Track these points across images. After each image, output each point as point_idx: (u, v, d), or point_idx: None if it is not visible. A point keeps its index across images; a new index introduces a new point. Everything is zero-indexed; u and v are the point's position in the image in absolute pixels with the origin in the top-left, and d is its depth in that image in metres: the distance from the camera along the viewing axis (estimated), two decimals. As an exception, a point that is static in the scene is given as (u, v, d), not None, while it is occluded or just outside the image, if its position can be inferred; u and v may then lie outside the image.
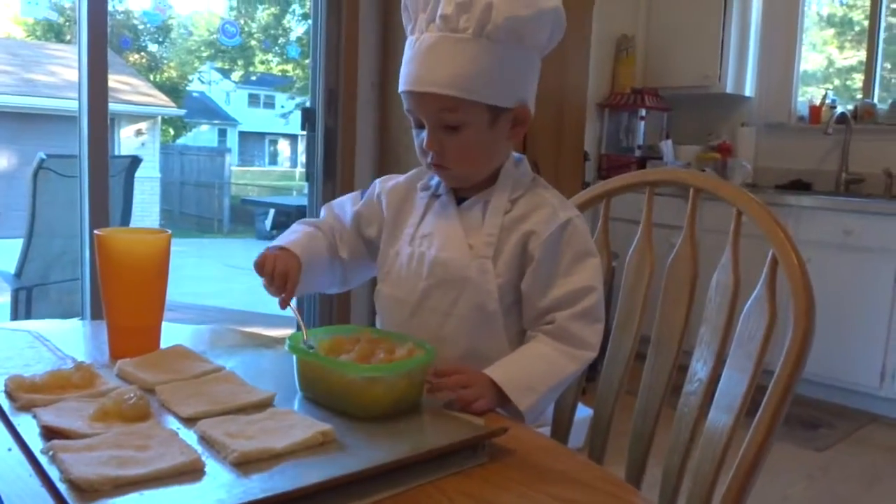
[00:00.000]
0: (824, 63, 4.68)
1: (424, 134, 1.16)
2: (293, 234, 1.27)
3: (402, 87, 1.16)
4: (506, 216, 1.17)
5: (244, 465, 0.77)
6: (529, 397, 1.07)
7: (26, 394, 0.93)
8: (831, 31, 4.66)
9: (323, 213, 1.36)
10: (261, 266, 1.17)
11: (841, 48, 4.64)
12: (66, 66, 10.68)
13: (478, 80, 1.11)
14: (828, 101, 4.28)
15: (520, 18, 1.10)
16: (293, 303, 1.17)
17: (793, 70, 4.39)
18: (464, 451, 0.86)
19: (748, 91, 4.44)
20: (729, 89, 4.33)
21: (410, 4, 1.17)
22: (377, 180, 1.34)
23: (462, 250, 1.16)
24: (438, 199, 1.24)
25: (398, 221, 1.26)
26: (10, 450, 0.81)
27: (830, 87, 4.57)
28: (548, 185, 1.24)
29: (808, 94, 4.50)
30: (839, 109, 4.13)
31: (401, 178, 1.31)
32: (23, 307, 3.62)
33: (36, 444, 0.81)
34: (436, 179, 1.25)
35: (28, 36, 13.97)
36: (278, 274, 1.15)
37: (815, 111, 4.28)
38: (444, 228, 1.20)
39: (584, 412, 1.43)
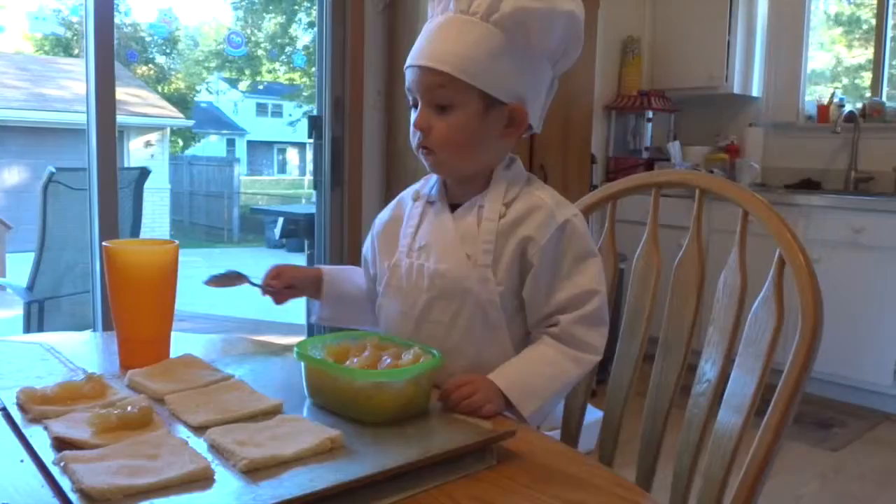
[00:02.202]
0: (832, 62, 4.67)
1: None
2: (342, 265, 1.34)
3: (406, 64, 1.16)
4: (501, 221, 1.15)
5: (253, 472, 0.78)
6: (533, 403, 1.07)
7: (38, 406, 0.93)
8: (839, 29, 4.65)
9: None
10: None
11: (849, 47, 4.63)
12: (76, 80, 10.75)
13: (475, 63, 1.10)
14: (836, 99, 4.27)
15: (528, 11, 1.09)
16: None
17: (800, 69, 4.37)
18: (472, 454, 0.86)
19: (755, 91, 4.43)
20: (736, 90, 4.33)
21: None
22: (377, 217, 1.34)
23: (460, 260, 1.14)
24: (432, 206, 1.22)
25: (391, 235, 1.25)
26: (22, 461, 0.82)
27: (839, 85, 4.56)
28: (543, 185, 1.21)
29: (817, 94, 4.49)
30: (847, 108, 4.12)
31: (394, 201, 1.32)
32: (35, 320, 3.64)
33: (48, 455, 0.81)
34: (428, 187, 1.23)
35: (37, 51, 14.08)
36: (272, 274, 1.26)
37: (823, 110, 4.26)
38: (440, 238, 1.18)
39: (594, 414, 1.43)
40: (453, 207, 1.20)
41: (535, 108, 1.18)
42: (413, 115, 1.17)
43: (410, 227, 1.22)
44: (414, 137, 1.17)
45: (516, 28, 1.09)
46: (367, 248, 1.33)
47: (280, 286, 1.26)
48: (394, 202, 1.30)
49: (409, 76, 1.15)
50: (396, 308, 1.21)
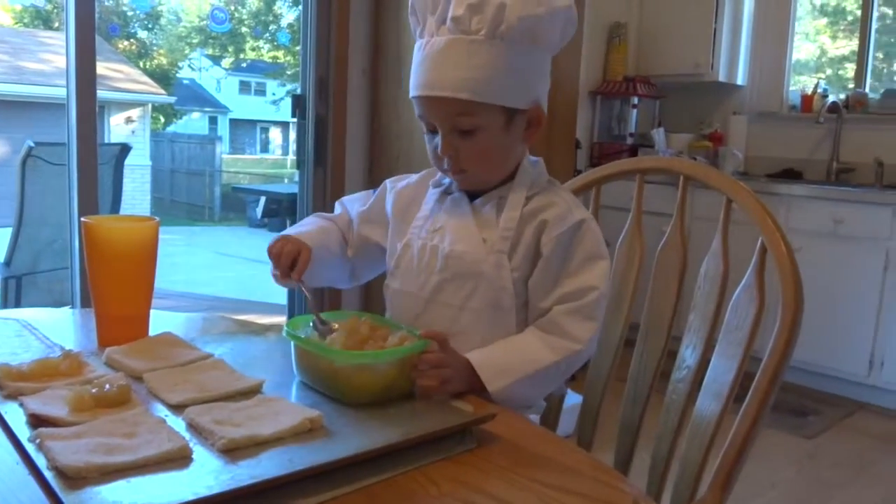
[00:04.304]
0: (817, 52, 4.68)
1: (438, 139, 1.14)
2: (305, 226, 1.26)
3: (413, 92, 1.14)
4: (523, 210, 1.15)
5: (232, 451, 0.77)
6: (500, 380, 1.05)
7: (13, 382, 0.93)
8: (824, 20, 4.66)
9: (336, 208, 1.35)
10: (271, 249, 1.17)
11: (833, 38, 4.64)
12: (55, 54, 10.61)
13: (493, 82, 1.08)
14: (820, 90, 4.29)
15: (534, 18, 1.07)
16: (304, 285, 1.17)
17: (785, 59, 4.39)
18: (452, 437, 0.86)
19: (740, 80, 4.44)
20: (721, 78, 4.33)
21: (419, 6, 1.14)
22: (388, 181, 1.32)
23: (476, 244, 1.14)
24: (450, 196, 1.21)
25: (406, 216, 1.24)
26: (-4, 437, 0.81)
27: (823, 76, 4.58)
28: (565, 189, 1.22)
29: (801, 84, 4.50)
30: (831, 98, 4.14)
31: (413, 177, 1.29)
32: (12, 296, 3.61)
33: (23, 432, 0.80)
34: (448, 178, 1.22)
35: (16, 23, 13.87)
36: (286, 253, 1.15)
37: (806, 100, 4.28)
38: (457, 223, 1.17)
39: (573, 399, 1.44)
40: (471, 197, 1.19)
41: (545, 99, 1.18)
42: (432, 141, 1.16)
43: (425, 210, 1.22)
44: (440, 163, 1.16)
45: (523, 37, 1.08)
46: (370, 204, 1.31)
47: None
48: (416, 178, 1.29)
49: (423, 106, 1.13)
50: (406, 288, 1.20)
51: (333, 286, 1.34)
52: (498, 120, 1.12)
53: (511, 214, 1.14)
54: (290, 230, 1.24)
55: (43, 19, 14.04)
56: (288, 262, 1.15)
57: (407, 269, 1.20)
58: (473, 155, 1.13)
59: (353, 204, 1.34)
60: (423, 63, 1.12)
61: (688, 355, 1.20)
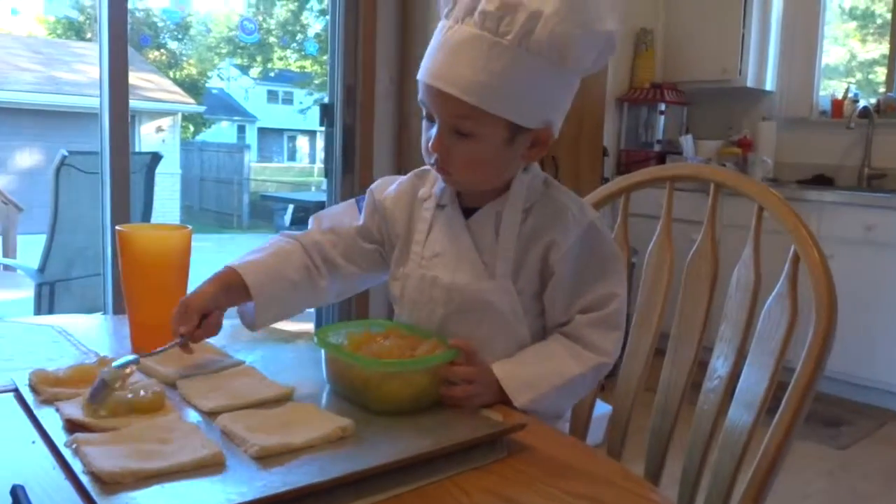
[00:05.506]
0: (846, 56, 4.63)
1: (434, 131, 1.06)
2: (258, 253, 1.15)
3: (420, 76, 1.05)
4: (521, 228, 1.09)
5: (264, 458, 0.78)
6: (526, 394, 1.04)
7: (50, 388, 0.94)
8: (853, 24, 4.61)
9: (311, 223, 1.24)
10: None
11: (863, 41, 4.59)
12: (89, 64, 10.77)
13: (505, 93, 1.00)
14: (850, 95, 4.24)
15: (567, 36, 0.98)
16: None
17: (814, 64, 4.34)
18: (482, 446, 0.86)
19: (769, 85, 4.40)
20: (749, 83, 4.29)
21: None
22: (371, 188, 1.23)
23: (477, 272, 1.09)
24: (443, 210, 1.14)
25: (407, 238, 1.17)
26: (34, 443, 0.82)
27: (853, 80, 4.52)
28: (560, 186, 1.15)
29: (830, 88, 4.45)
30: (862, 103, 4.09)
31: (397, 182, 1.21)
32: (46, 302, 3.66)
33: (59, 437, 0.82)
34: (438, 188, 1.15)
35: (50, 34, 14.11)
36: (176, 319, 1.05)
37: (837, 105, 4.23)
38: (454, 247, 1.11)
39: (603, 408, 1.43)
40: (466, 212, 1.13)
41: (559, 122, 1.10)
42: (427, 130, 1.08)
43: (420, 232, 1.15)
44: (429, 156, 1.08)
45: (551, 53, 0.99)
46: (366, 216, 1.21)
47: (191, 329, 1.05)
48: (402, 186, 1.20)
49: (426, 94, 1.04)
50: (413, 321, 1.15)
51: (306, 309, 1.22)
52: (500, 133, 1.04)
53: (509, 236, 1.08)
54: (240, 257, 1.13)
55: (76, 30, 14.27)
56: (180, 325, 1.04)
57: (411, 300, 1.15)
58: (464, 161, 1.05)
59: (340, 219, 1.23)
60: (439, 49, 1.03)
61: (719, 365, 1.19)
